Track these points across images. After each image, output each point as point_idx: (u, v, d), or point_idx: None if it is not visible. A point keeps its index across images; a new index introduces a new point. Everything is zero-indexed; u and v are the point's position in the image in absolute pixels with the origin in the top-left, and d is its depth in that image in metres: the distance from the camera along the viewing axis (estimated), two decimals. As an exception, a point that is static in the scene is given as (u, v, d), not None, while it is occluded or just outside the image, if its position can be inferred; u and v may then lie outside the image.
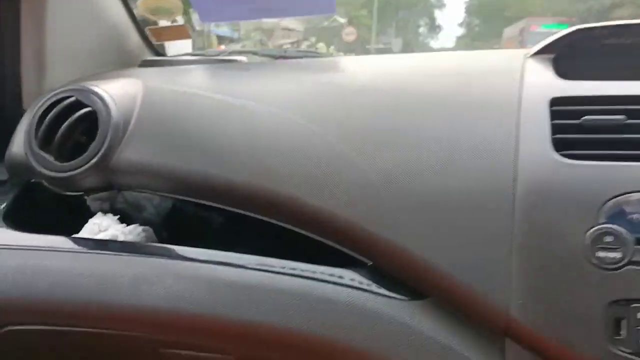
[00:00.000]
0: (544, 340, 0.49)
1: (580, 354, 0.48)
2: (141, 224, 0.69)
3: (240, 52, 1.03)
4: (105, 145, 0.65)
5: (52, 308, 0.60)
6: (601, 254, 0.48)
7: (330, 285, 0.56)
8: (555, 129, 0.55)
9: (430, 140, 0.57)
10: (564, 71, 0.63)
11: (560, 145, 0.53)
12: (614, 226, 0.48)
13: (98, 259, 0.61)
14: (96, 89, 0.68)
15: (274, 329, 0.54)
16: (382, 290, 0.55)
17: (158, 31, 1.00)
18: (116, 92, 0.69)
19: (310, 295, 0.55)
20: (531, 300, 0.50)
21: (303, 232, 0.60)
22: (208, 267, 0.58)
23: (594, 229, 0.49)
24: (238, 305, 0.55)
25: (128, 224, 0.68)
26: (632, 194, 0.49)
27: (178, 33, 0.99)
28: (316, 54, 1.10)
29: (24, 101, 0.83)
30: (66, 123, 0.67)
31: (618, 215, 0.49)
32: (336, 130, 0.61)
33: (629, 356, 0.47)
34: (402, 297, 0.55)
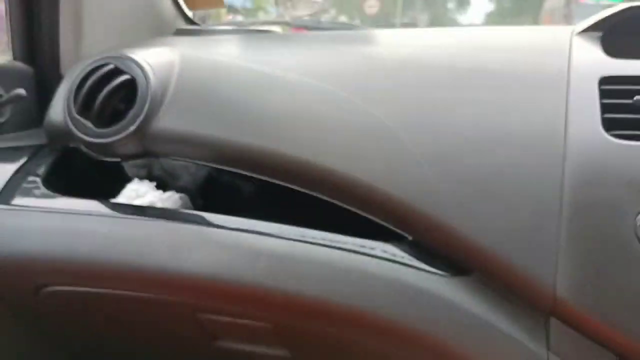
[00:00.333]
0: (591, 322, 0.49)
1: (629, 336, 0.48)
2: (177, 192, 0.70)
3: (273, 23, 1.02)
4: (144, 112, 0.65)
5: (91, 271, 0.61)
6: None
7: (368, 258, 0.56)
8: (605, 108, 0.53)
9: (477, 116, 0.56)
10: (613, 49, 0.61)
11: (610, 125, 0.52)
12: None
13: (137, 224, 0.62)
14: (135, 57, 0.68)
15: (313, 301, 0.55)
16: (424, 266, 0.55)
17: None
18: (154, 60, 0.69)
19: (348, 267, 0.55)
20: (579, 281, 0.49)
21: (341, 204, 0.60)
22: (248, 237, 0.58)
23: None
24: (277, 276, 0.55)
25: (164, 191, 0.69)
26: None
27: (213, 2, 0.98)
28: (350, 26, 1.08)
29: (62, 67, 0.84)
30: (105, 90, 0.67)
31: None
32: (378, 104, 0.60)
33: None
34: (444, 273, 0.55)
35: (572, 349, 0.51)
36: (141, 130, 0.66)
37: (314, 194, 0.61)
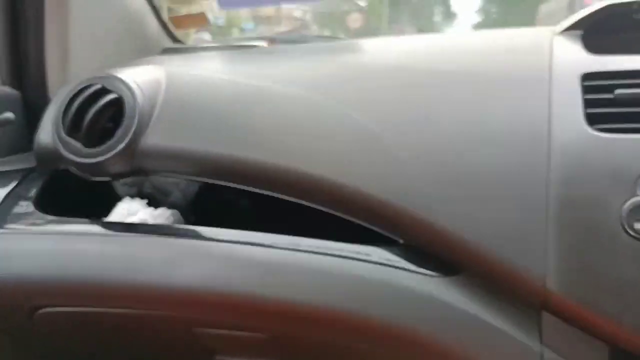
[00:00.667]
0: (582, 312, 0.49)
1: (619, 324, 0.48)
2: (168, 208, 0.70)
3: (257, 39, 1.03)
4: (132, 130, 0.66)
5: (86, 290, 0.61)
6: (638, 225, 0.48)
7: (361, 263, 0.56)
8: (588, 104, 0.54)
9: (461, 116, 0.57)
10: (593, 47, 0.62)
11: (593, 120, 0.53)
12: None
13: (129, 242, 0.62)
14: (121, 76, 0.69)
15: (308, 308, 0.55)
16: (414, 267, 0.56)
17: (179, 19, 1.01)
18: (140, 78, 0.70)
19: (341, 273, 0.55)
20: (568, 273, 0.50)
21: (332, 211, 0.60)
22: (239, 247, 0.58)
23: (630, 201, 0.49)
24: (270, 285, 0.56)
25: (156, 208, 0.69)
26: None
27: (198, 21, 1.00)
28: (334, 38, 1.10)
29: (49, 90, 0.84)
30: (93, 109, 0.67)
31: None
32: (362, 109, 0.61)
33: None
34: (437, 274, 0.55)
35: (565, 342, 0.51)
36: (130, 148, 0.66)
37: (304, 202, 0.62)
